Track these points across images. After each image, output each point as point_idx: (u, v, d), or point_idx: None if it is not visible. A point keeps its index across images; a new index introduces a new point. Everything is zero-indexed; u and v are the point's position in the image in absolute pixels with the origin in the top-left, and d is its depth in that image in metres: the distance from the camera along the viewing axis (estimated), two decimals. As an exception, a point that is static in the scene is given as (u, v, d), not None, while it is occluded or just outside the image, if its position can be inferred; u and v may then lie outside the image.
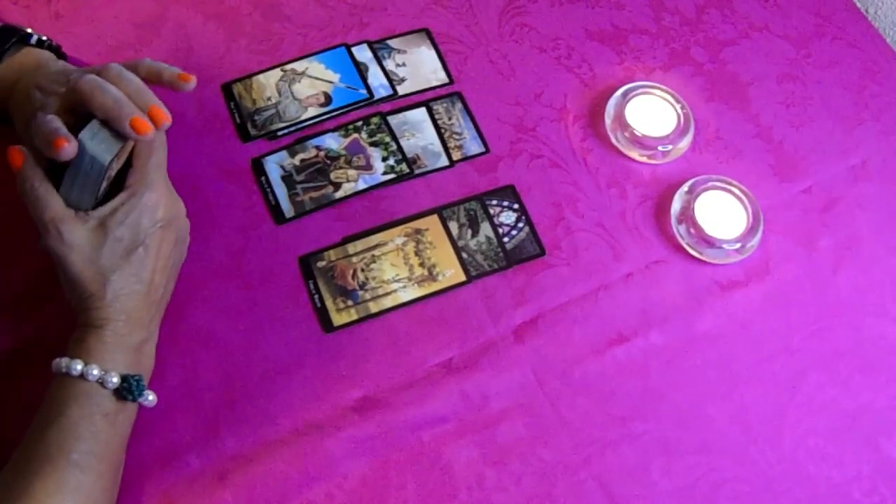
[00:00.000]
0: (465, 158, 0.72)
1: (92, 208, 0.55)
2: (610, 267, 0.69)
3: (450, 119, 0.74)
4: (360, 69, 0.75)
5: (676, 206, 0.71)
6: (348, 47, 0.75)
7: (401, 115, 0.73)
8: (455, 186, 0.71)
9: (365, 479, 0.60)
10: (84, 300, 0.54)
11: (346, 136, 0.72)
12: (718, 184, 0.72)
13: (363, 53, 0.75)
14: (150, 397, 0.56)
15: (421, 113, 0.73)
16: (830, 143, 0.77)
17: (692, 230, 0.70)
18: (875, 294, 0.71)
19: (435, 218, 0.69)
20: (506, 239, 0.69)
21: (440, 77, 0.76)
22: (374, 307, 0.65)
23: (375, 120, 0.72)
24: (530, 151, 0.73)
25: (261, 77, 0.73)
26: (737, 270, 0.70)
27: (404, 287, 0.66)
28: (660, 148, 0.73)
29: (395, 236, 0.68)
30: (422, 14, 0.78)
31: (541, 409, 0.64)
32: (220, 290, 0.65)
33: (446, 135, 0.73)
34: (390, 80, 0.74)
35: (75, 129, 0.53)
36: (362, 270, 0.67)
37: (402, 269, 0.67)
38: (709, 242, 0.69)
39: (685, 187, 0.72)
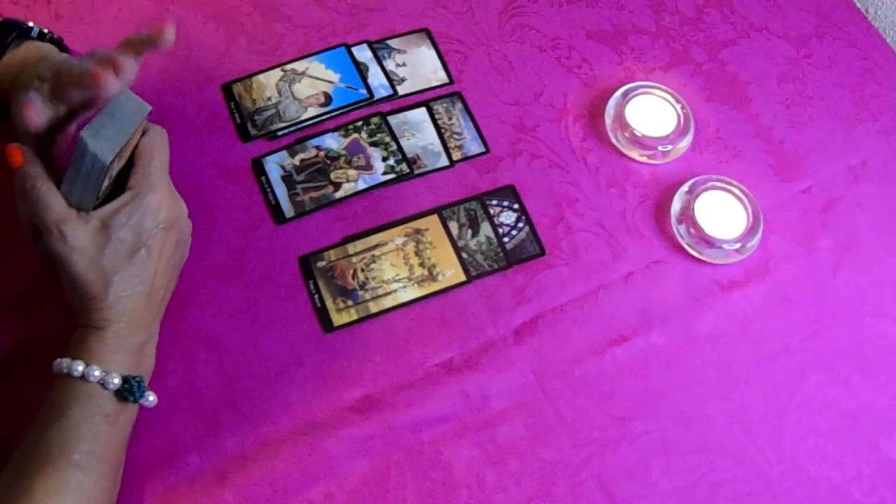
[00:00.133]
0: (466, 158, 0.72)
1: (93, 208, 0.55)
2: (610, 267, 0.69)
3: (450, 119, 0.74)
4: (361, 69, 0.75)
5: (676, 206, 0.71)
6: (348, 47, 0.75)
7: (401, 115, 0.73)
8: (455, 186, 0.71)
9: (365, 479, 0.60)
10: (86, 301, 0.54)
11: (346, 136, 0.72)
12: (718, 184, 0.72)
13: (363, 53, 0.75)
14: (151, 398, 0.56)
15: (421, 113, 0.73)
16: (830, 143, 0.77)
17: (692, 230, 0.70)
18: (875, 294, 0.71)
19: (435, 218, 0.69)
20: (506, 239, 0.69)
21: (440, 77, 0.76)
22: (374, 307, 0.65)
23: (375, 120, 0.72)
24: (530, 151, 0.73)
25: (261, 77, 0.73)
26: (737, 270, 0.70)
27: (404, 287, 0.66)
28: (660, 148, 0.73)
29: (395, 236, 0.68)
30: (422, 14, 0.78)
31: (541, 409, 0.64)
32: (220, 290, 0.65)
33: (446, 135, 0.73)
34: (390, 80, 0.74)
35: (65, 120, 0.53)
36: (362, 270, 0.67)
37: (402, 269, 0.67)
38: (709, 242, 0.69)
39: (685, 187, 0.72)
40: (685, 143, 0.74)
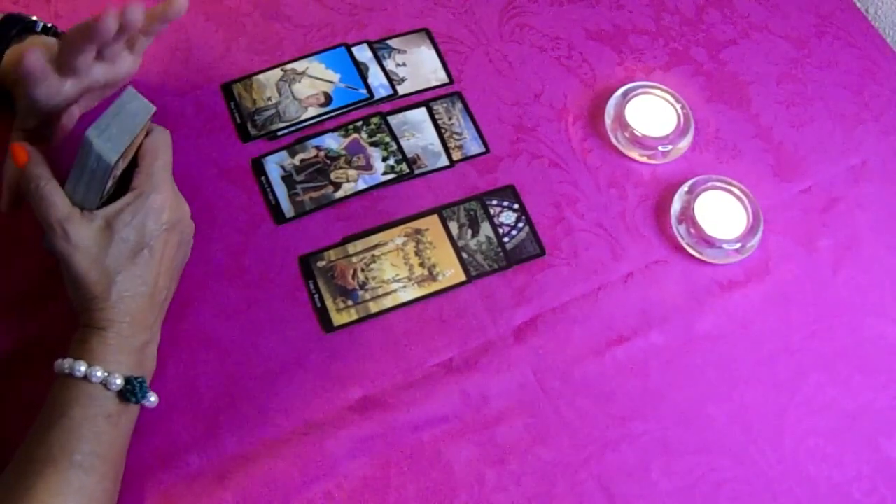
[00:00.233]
0: (465, 158, 0.72)
1: (97, 207, 0.55)
2: (610, 267, 0.69)
3: (450, 119, 0.74)
4: (361, 69, 0.75)
5: (676, 206, 0.71)
6: (348, 47, 0.75)
7: (401, 115, 0.73)
8: (455, 186, 0.71)
9: (365, 479, 0.60)
10: (88, 301, 0.54)
11: (346, 136, 0.72)
12: (718, 184, 0.72)
13: (363, 53, 0.75)
14: (152, 398, 0.56)
15: (421, 113, 0.73)
16: (830, 143, 0.77)
17: (692, 230, 0.70)
18: (875, 294, 0.71)
19: (435, 218, 0.69)
20: (506, 239, 0.69)
21: (440, 77, 0.76)
22: (374, 307, 0.65)
23: (375, 120, 0.72)
24: (530, 151, 0.73)
25: (261, 77, 0.73)
26: (737, 270, 0.70)
27: (404, 287, 0.66)
28: (660, 148, 0.73)
29: (395, 236, 0.68)
30: (422, 14, 0.78)
31: (541, 409, 0.64)
32: (221, 290, 0.65)
33: (446, 135, 0.73)
34: (390, 80, 0.74)
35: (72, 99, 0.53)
36: (362, 270, 0.67)
37: (402, 269, 0.67)
38: (709, 242, 0.69)
39: (685, 187, 0.72)
40: (685, 143, 0.74)
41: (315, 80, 0.74)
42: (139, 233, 0.55)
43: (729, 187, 0.72)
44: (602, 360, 0.66)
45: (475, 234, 0.69)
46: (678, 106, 0.75)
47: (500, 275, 0.68)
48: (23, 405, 0.56)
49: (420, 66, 0.76)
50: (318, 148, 0.71)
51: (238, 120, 0.71)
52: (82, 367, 0.52)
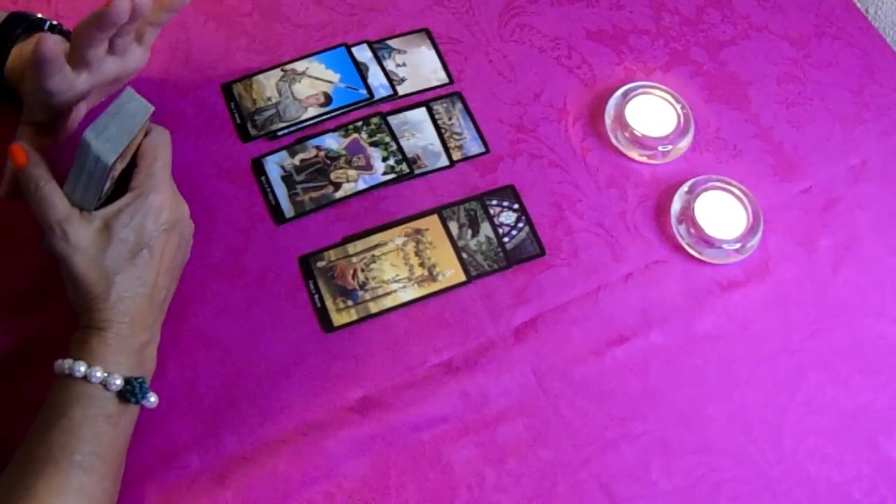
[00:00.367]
0: (465, 158, 0.72)
1: (95, 208, 0.55)
2: (610, 267, 0.69)
3: (450, 119, 0.74)
4: (360, 69, 0.75)
5: (676, 206, 0.71)
6: (348, 47, 0.75)
7: (401, 115, 0.73)
8: (455, 186, 0.71)
9: (365, 479, 0.60)
10: (87, 301, 0.54)
11: (346, 136, 0.72)
12: (718, 184, 0.72)
13: (363, 53, 0.75)
14: (152, 399, 0.56)
15: (421, 113, 0.73)
16: (830, 143, 0.77)
17: (692, 230, 0.70)
18: (875, 294, 0.71)
19: (435, 218, 0.69)
20: (506, 239, 0.69)
21: (440, 77, 0.76)
22: (374, 307, 0.65)
23: (375, 120, 0.72)
24: (530, 151, 0.73)
25: (261, 77, 0.73)
26: (737, 270, 0.70)
27: (404, 287, 0.66)
28: (660, 148, 0.73)
29: (395, 236, 0.68)
30: (422, 14, 0.78)
31: (541, 409, 0.64)
32: (220, 290, 0.65)
33: (446, 135, 0.73)
34: (390, 80, 0.74)
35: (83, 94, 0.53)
36: (362, 270, 0.67)
37: (402, 269, 0.67)
38: (709, 242, 0.69)
39: (685, 187, 0.72)
40: (685, 143, 0.74)
41: (315, 81, 0.74)
42: (138, 233, 0.55)
43: (729, 187, 0.72)
44: (602, 361, 0.66)
45: (475, 234, 0.69)
46: (678, 106, 0.75)
47: (500, 275, 0.68)
48: (23, 405, 0.56)
49: (420, 67, 0.76)
50: (318, 148, 0.71)
51: (238, 120, 0.71)
52: (82, 368, 0.52)
